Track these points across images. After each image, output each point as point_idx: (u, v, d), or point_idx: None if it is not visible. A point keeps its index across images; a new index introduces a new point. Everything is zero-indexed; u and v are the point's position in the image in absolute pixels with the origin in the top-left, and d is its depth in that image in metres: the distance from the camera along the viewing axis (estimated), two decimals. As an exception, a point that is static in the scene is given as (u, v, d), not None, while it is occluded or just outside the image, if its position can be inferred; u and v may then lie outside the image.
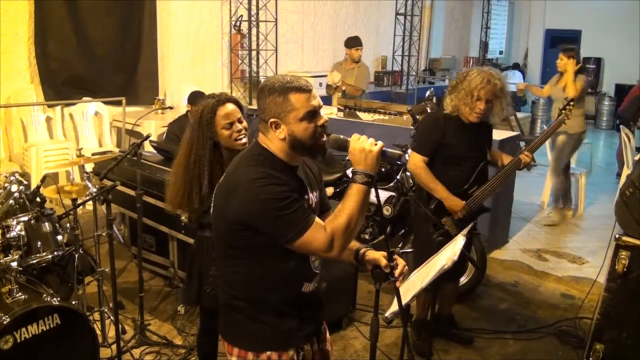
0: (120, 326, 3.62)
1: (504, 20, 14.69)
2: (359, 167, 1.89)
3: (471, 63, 13.45)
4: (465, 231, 2.53)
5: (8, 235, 3.01)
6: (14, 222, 3.08)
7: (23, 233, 3.08)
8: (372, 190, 1.94)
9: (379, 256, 2.15)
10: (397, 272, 2.11)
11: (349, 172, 4.68)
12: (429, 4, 12.11)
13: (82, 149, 3.71)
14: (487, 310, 4.55)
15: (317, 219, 1.90)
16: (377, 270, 2.13)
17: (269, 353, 2.02)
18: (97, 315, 3.88)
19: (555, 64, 6.39)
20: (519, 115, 11.12)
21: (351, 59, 7.36)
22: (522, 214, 6.72)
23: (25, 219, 3.16)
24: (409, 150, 3.86)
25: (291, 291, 2.04)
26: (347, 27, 10.20)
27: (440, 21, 12.64)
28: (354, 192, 1.88)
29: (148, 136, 3.60)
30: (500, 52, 14.55)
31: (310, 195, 2.06)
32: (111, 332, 3.77)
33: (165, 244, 4.53)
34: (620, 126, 7.66)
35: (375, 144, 1.90)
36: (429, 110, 4.61)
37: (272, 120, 1.90)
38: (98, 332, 3.47)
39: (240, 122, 2.79)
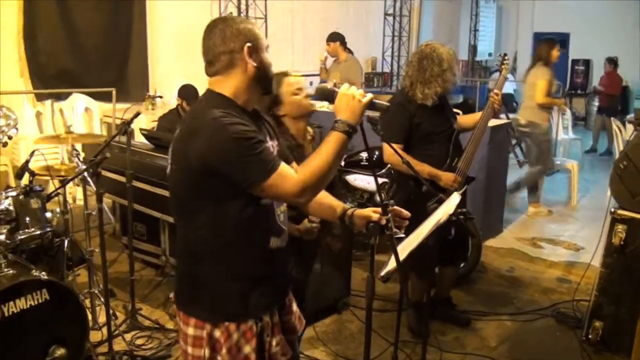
0: (110, 310, 3.55)
1: (492, 23, 14.74)
2: (342, 116, 1.80)
3: (461, 65, 13.50)
4: (461, 190, 2.49)
5: (-4, 209, 2.96)
6: (3, 196, 3.03)
7: (12, 208, 3.03)
8: (371, 178, 1.88)
9: (369, 212, 2.07)
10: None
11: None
12: (417, 5, 12.15)
13: (71, 125, 3.65)
14: (483, 294, 4.51)
15: (286, 166, 1.81)
16: (371, 224, 2.07)
17: (227, 324, 1.89)
18: (87, 303, 3.81)
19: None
20: (511, 116, 11.22)
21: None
22: (515, 205, 6.71)
23: (14, 193, 3.11)
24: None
25: (258, 246, 1.93)
26: (337, 28, 10.20)
27: (429, 22, 12.68)
28: (332, 140, 1.79)
29: (138, 113, 3.54)
30: (489, 54, 14.59)
31: (271, 142, 1.98)
32: (101, 318, 3.70)
33: (156, 232, 4.46)
34: (612, 119, 7.70)
35: (364, 95, 1.83)
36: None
37: (248, 44, 1.85)
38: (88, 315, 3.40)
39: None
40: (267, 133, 1.99)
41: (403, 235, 2.13)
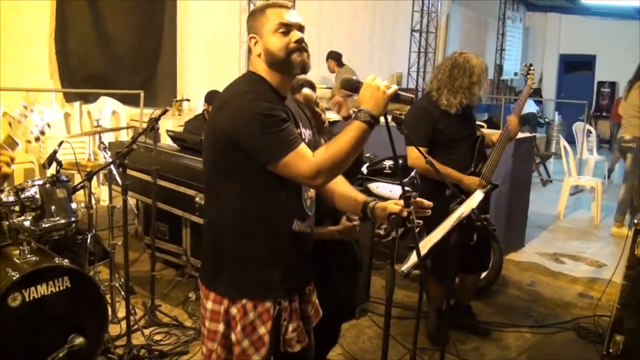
0: (130, 306, 3.57)
1: (518, 43, 14.72)
2: (365, 106, 1.82)
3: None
4: (486, 189, 2.48)
5: (23, 196, 3.00)
6: (29, 184, 3.09)
7: (37, 196, 3.07)
8: (394, 186, 1.89)
9: (391, 204, 2.06)
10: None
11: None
12: (444, 22, 12.17)
13: (99, 119, 3.71)
14: (504, 306, 4.46)
15: (305, 147, 1.83)
16: (393, 216, 2.06)
17: (244, 301, 1.91)
18: (107, 298, 3.83)
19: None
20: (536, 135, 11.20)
21: None
22: (537, 222, 6.64)
23: (41, 182, 3.16)
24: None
25: (281, 226, 1.95)
26: (363, 44, 10.25)
27: (456, 39, 12.70)
28: (353, 128, 1.80)
29: (166, 110, 3.59)
30: (515, 74, 14.55)
31: (302, 130, 2.01)
32: (120, 313, 3.72)
33: (178, 232, 4.50)
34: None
35: (389, 87, 1.85)
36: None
37: (250, 35, 1.94)
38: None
39: (317, 105, 2.71)
40: (301, 120, 2.03)
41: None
